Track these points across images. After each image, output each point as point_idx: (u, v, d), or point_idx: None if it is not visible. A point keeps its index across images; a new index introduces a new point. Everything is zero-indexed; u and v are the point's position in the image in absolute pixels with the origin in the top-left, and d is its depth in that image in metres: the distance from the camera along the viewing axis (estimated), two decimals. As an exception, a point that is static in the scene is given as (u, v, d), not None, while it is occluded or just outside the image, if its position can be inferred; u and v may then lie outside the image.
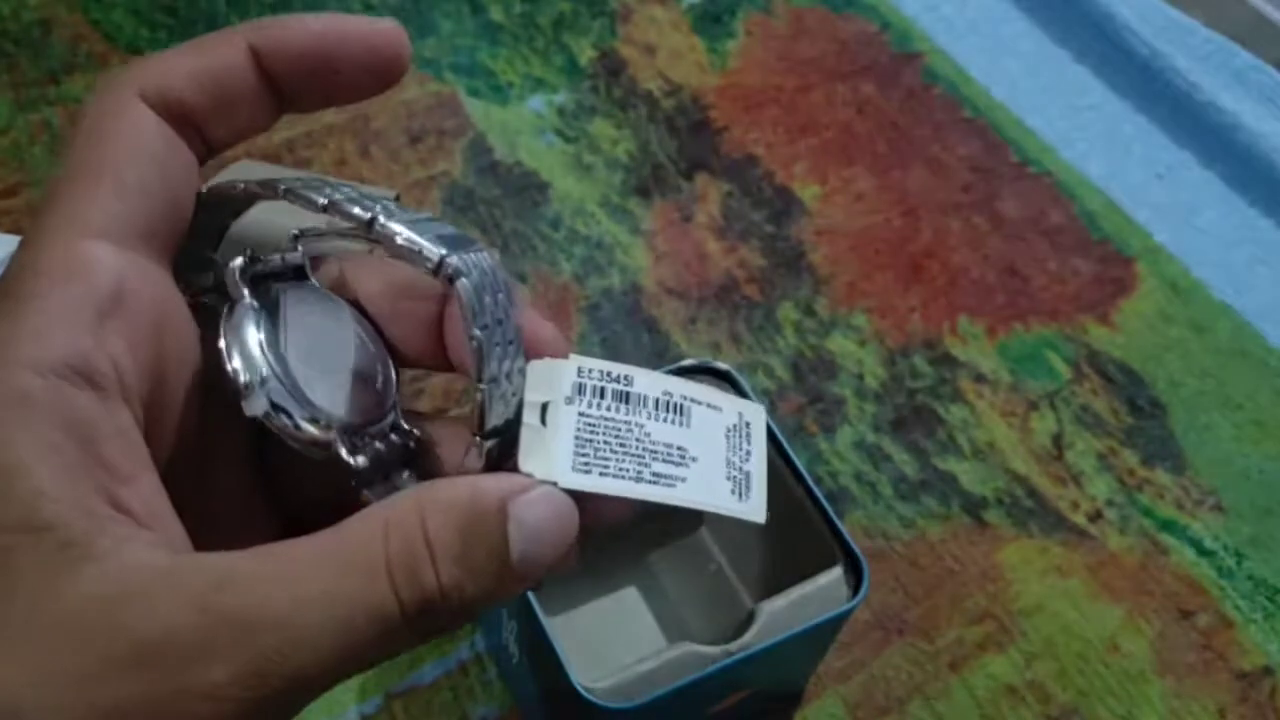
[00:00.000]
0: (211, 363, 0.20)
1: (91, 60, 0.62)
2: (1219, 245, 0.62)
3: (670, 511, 0.46)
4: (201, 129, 0.20)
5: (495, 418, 0.20)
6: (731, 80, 0.67)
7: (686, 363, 0.41)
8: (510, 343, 0.20)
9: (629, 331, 0.54)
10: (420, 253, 0.18)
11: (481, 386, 0.19)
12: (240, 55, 0.20)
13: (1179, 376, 0.56)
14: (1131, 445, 0.53)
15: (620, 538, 0.44)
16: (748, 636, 0.35)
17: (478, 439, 0.20)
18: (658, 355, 0.53)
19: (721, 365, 0.41)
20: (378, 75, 0.21)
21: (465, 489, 0.19)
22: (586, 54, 0.67)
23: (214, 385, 0.21)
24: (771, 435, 0.40)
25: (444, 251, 0.18)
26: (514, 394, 0.20)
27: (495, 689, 0.43)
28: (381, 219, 0.19)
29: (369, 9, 0.67)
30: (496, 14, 0.68)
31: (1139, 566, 0.49)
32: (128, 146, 0.19)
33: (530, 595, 0.35)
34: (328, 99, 0.21)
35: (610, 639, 0.42)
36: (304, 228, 0.21)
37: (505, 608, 0.38)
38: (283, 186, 0.20)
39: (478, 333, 0.19)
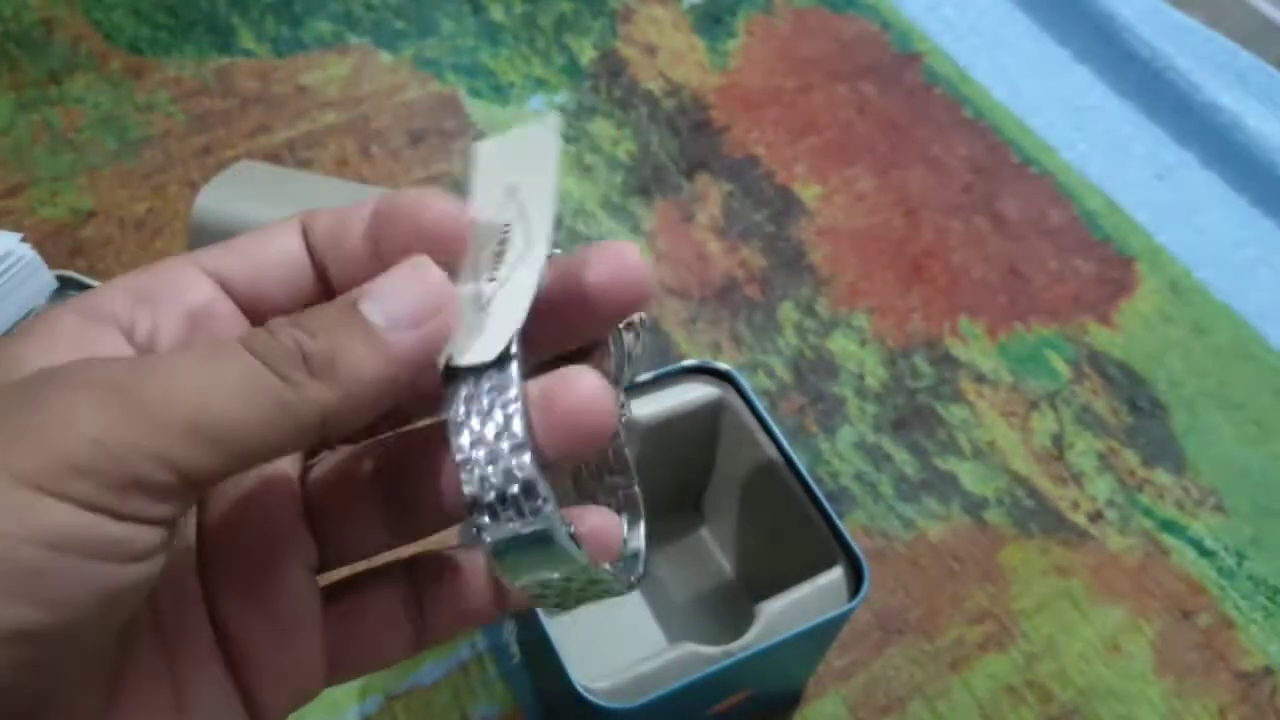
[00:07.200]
0: None
1: (92, 60, 0.62)
2: (1219, 245, 0.62)
3: (671, 511, 0.46)
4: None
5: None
6: (732, 80, 0.67)
7: (687, 363, 0.41)
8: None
9: (629, 331, 0.54)
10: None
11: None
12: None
13: (1179, 376, 0.56)
14: (1132, 445, 0.53)
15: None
16: (748, 636, 0.35)
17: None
18: (659, 355, 0.53)
19: (722, 365, 0.41)
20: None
21: None
22: (587, 54, 0.67)
23: None
24: (772, 434, 0.40)
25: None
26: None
27: (495, 689, 0.43)
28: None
29: (370, 9, 0.68)
30: (497, 14, 0.68)
31: (1139, 566, 0.49)
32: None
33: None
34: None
35: (610, 639, 0.42)
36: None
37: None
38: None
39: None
